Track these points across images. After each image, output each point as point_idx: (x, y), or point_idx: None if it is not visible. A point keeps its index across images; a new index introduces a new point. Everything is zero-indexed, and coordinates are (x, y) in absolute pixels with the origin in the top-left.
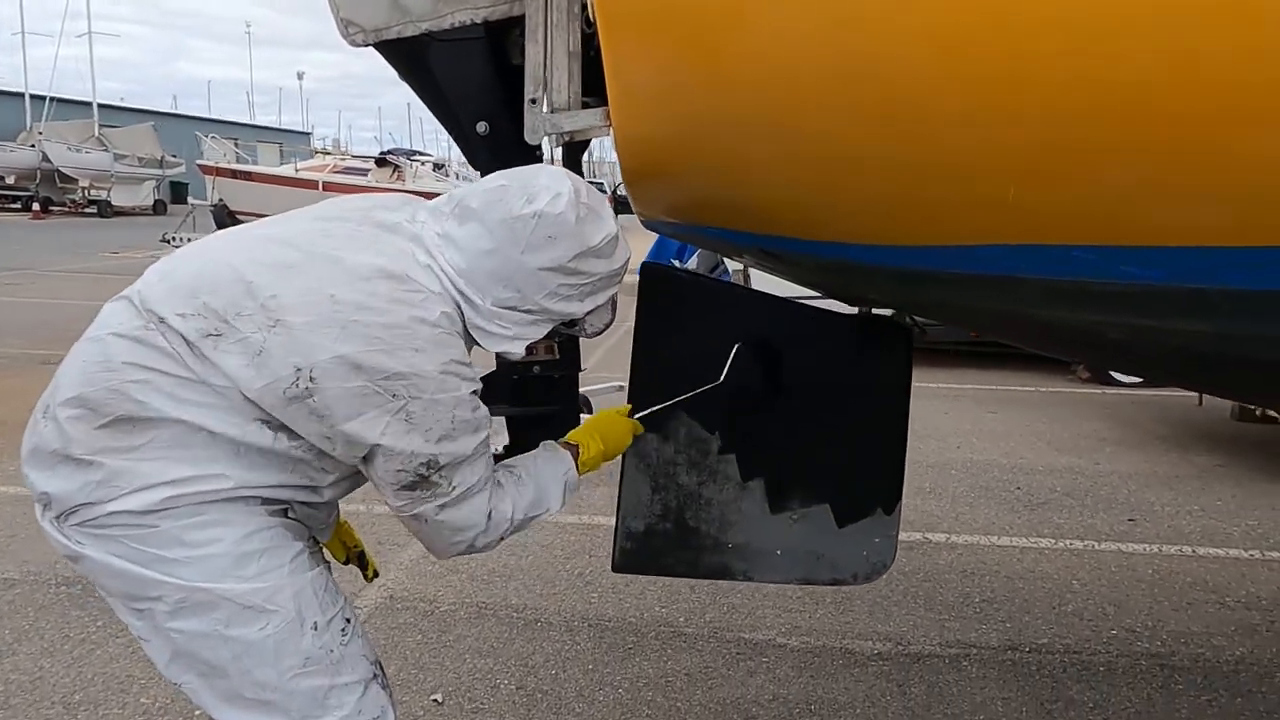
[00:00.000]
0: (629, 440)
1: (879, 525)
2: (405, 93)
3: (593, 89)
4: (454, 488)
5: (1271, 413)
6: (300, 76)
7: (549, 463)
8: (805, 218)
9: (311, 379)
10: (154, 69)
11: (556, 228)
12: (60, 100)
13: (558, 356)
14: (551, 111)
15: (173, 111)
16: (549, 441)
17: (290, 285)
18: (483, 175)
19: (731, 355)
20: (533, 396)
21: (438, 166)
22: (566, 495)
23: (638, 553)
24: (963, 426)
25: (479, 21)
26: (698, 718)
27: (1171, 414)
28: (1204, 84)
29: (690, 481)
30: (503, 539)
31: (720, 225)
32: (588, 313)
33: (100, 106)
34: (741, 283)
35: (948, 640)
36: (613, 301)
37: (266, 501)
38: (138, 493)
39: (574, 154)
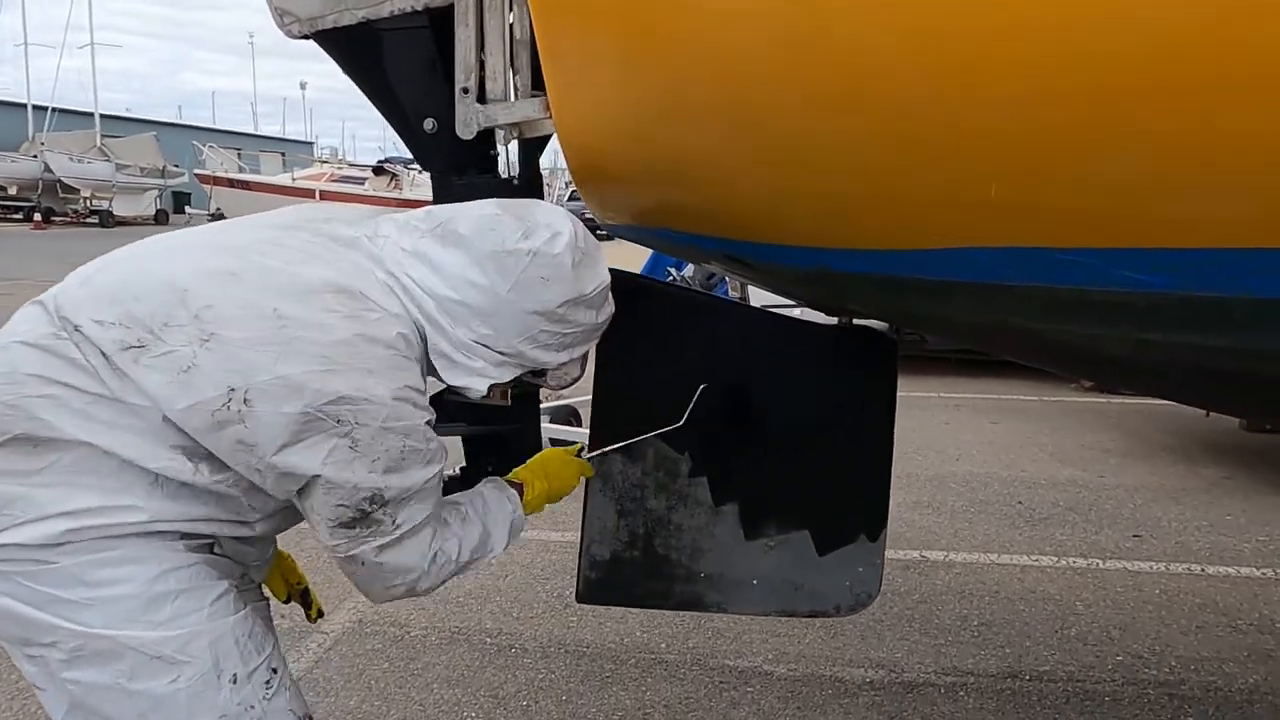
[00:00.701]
0: (575, 483)
1: (863, 553)
2: None
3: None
4: (397, 526)
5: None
6: (303, 86)
7: (497, 502)
8: (772, 220)
9: (245, 401)
10: (159, 80)
11: (551, 270)
12: (62, 111)
13: (509, 403)
14: (486, 103)
15: (176, 122)
16: (495, 478)
17: (229, 296)
18: (433, 178)
19: (695, 397)
20: (491, 415)
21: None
22: (511, 538)
23: (603, 583)
24: (962, 438)
25: (420, 9)
26: None
27: (1178, 425)
28: (1225, 49)
29: (659, 506)
30: (443, 582)
31: (682, 229)
32: (561, 364)
33: (103, 117)
34: (740, 294)
35: (944, 667)
36: (585, 357)
37: (187, 536)
38: (33, 524)
39: (530, 153)
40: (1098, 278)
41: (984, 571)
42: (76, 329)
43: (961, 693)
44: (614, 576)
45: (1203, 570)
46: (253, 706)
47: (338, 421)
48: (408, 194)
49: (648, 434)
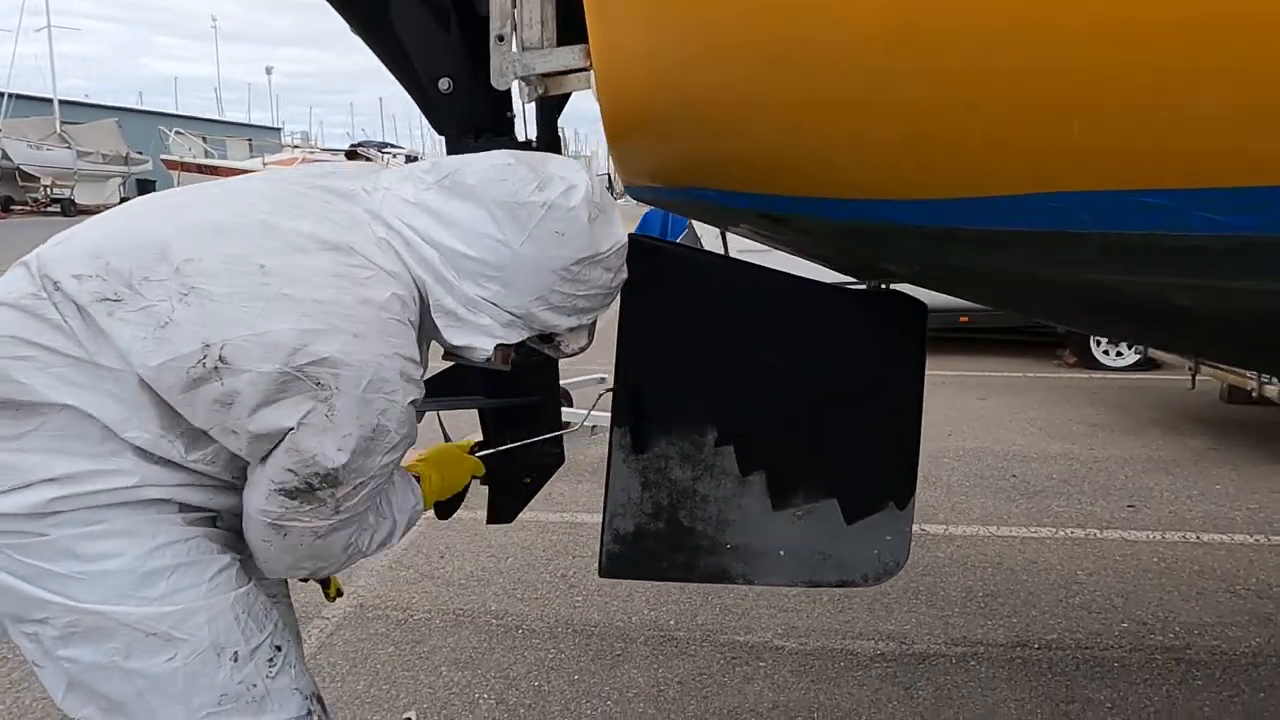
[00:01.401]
0: (466, 479)
1: (891, 521)
2: (377, 88)
3: (568, 38)
4: (336, 513)
5: (1265, 394)
6: (269, 72)
7: (403, 495)
8: (818, 170)
9: (222, 358)
10: (119, 65)
11: (567, 223)
12: (19, 97)
13: (508, 369)
14: (523, 50)
15: (138, 108)
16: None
17: (213, 250)
18: (447, 140)
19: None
20: (510, 386)
21: (410, 159)
22: (407, 530)
23: (627, 556)
24: (951, 414)
25: None
26: None
27: (1161, 398)
28: None
29: (684, 476)
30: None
31: (716, 186)
32: (570, 329)
33: (62, 103)
34: None
35: (953, 638)
36: (594, 324)
37: (185, 508)
38: (18, 491)
39: (548, 113)
40: (1176, 221)
41: (985, 544)
42: (56, 286)
43: (973, 662)
44: (638, 550)
45: (1198, 538)
46: (255, 685)
47: (317, 384)
48: None
49: (540, 436)
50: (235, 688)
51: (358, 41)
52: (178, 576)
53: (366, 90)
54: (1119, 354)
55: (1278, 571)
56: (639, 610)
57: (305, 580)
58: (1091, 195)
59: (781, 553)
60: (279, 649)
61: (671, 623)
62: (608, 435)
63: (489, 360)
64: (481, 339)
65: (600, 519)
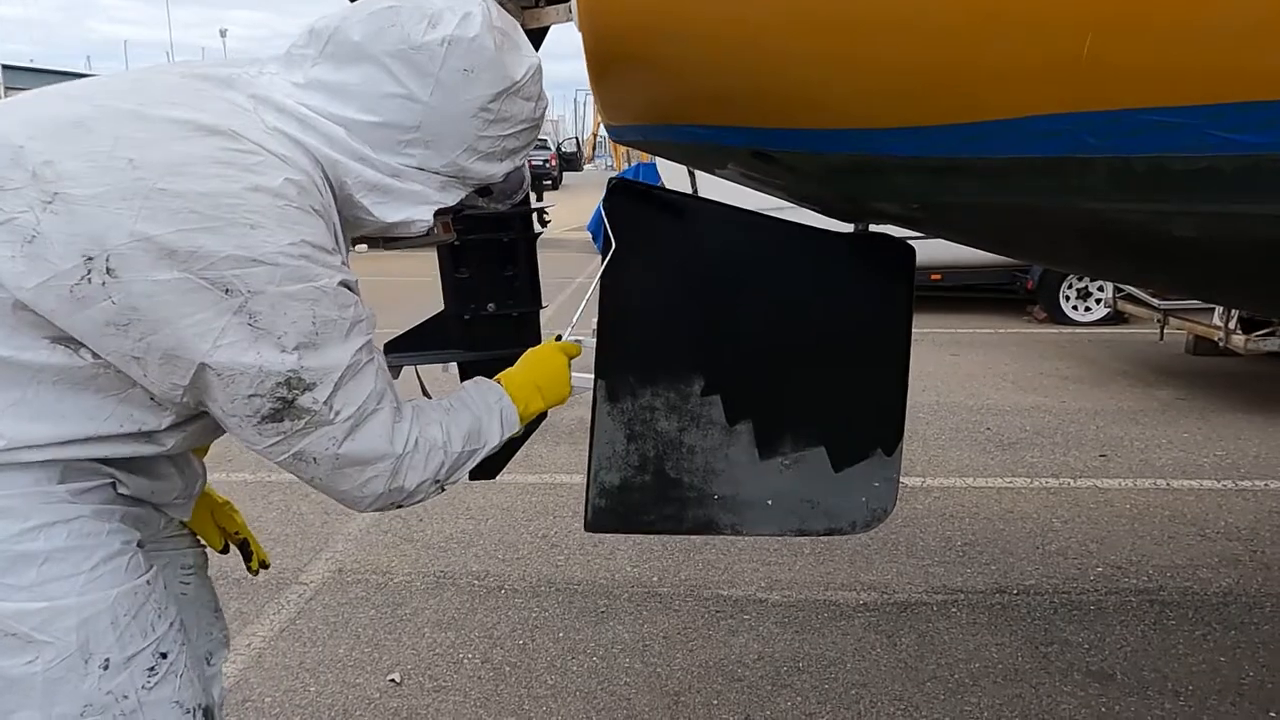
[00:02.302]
0: (565, 371)
1: (879, 467)
2: None
3: None
4: (336, 412)
5: (1232, 345)
6: (223, 34)
7: (478, 391)
8: (813, 99)
9: (108, 270)
10: (63, 29)
11: (472, 57)
12: None
13: (456, 240)
14: None
15: (86, 73)
16: (477, 377)
17: (74, 147)
18: None
19: None
20: (489, 339)
21: None
22: (505, 430)
23: (613, 510)
24: (925, 369)
25: None
26: (680, 683)
27: (1129, 350)
28: None
29: (670, 427)
30: (441, 482)
31: (707, 121)
32: (506, 174)
33: (5, 68)
34: None
35: (933, 586)
36: (527, 163)
37: (72, 472)
38: None
39: None
40: (1189, 141)
41: (962, 495)
42: None
43: (954, 609)
44: (624, 503)
45: (1168, 485)
46: (126, 696)
47: (226, 291)
48: None
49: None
50: (103, 698)
51: (309, 4)
52: (51, 565)
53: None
54: (1088, 309)
55: (1245, 515)
56: (622, 568)
57: (386, 509)
58: (1101, 115)
59: (769, 502)
60: (164, 656)
61: (655, 579)
62: (584, 396)
63: (432, 231)
64: (419, 209)
65: (581, 479)
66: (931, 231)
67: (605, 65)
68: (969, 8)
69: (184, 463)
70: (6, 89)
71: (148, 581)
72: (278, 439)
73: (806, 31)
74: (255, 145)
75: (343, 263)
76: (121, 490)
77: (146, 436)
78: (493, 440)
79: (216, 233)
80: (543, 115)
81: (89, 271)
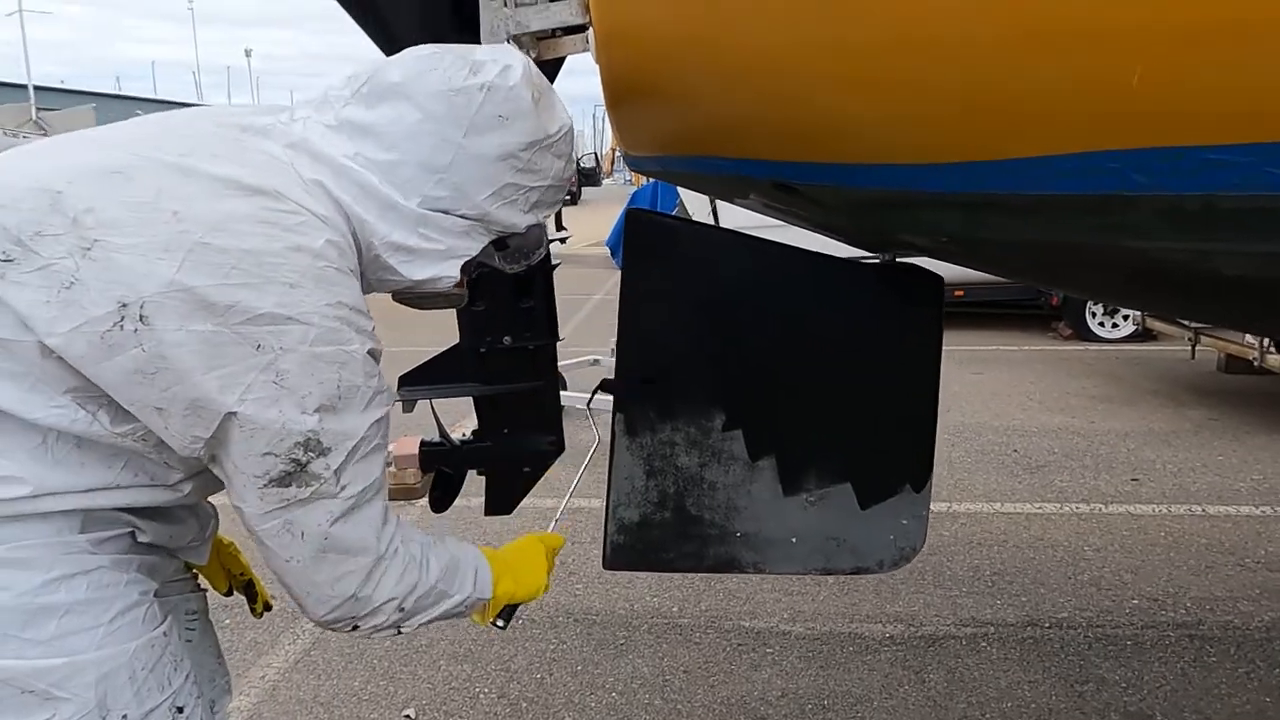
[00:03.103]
0: (543, 579)
1: (907, 505)
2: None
3: None
4: (341, 487)
5: (1268, 364)
6: (248, 54)
7: (457, 543)
8: (845, 132)
9: (142, 318)
10: (92, 50)
11: (509, 105)
12: None
13: (466, 294)
14: (515, 6)
15: (115, 93)
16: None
17: (115, 196)
18: None
19: None
20: (505, 372)
21: None
22: (476, 592)
23: (632, 547)
24: (948, 388)
25: None
26: None
27: (1158, 369)
28: None
29: (691, 463)
30: (405, 612)
31: (728, 154)
32: (529, 227)
33: (37, 89)
34: None
35: (962, 619)
36: (546, 226)
37: (92, 522)
38: None
39: None
40: (1243, 180)
41: (989, 521)
42: None
43: (983, 644)
44: (644, 540)
45: (1204, 511)
46: None
47: (257, 347)
48: None
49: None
50: None
51: (335, 23)
52: (71, 618)
53: (346, 71)
54: (1114, 325)
55: None
56: (641, 598)
57: (338, 623)
58: (1150, 153)
59: (793, 540)
60: (180, 710)
61: (675, 610)
62: (603, 419)
63: (455, 287)
64: (445, 265)
65: (598, 505)
66: (959, 262)
67: (623, 96)
68: (1011, 42)
69: (200, 511)
70: (38, 109)
71: (164, 633)
72: (277, 505)
73: (835, 65)
74: (297, 205)
75: (373, 329)
76: (140, 538)
77: (165, 488)
78: (463, 592)
79: (256, 289)
80: (571, 177)
81: (122, 318)
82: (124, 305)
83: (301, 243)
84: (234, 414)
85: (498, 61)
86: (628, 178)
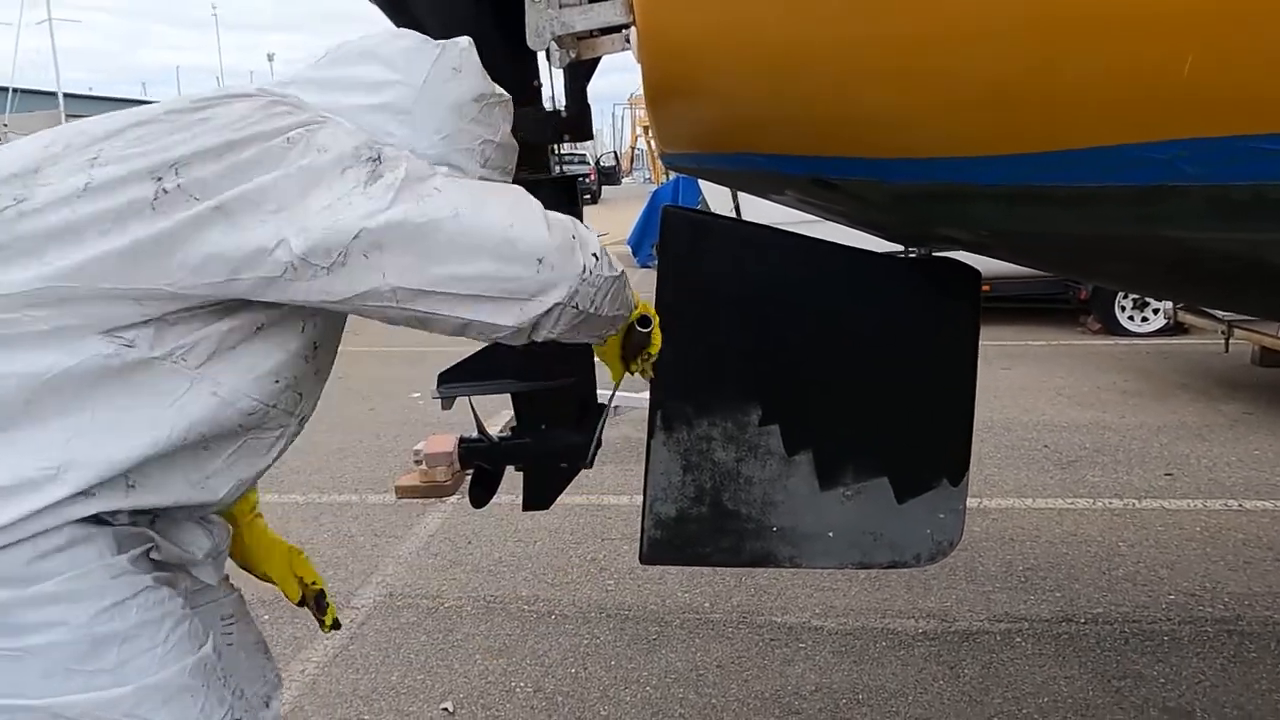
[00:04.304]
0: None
1: (944, 499)
2: None
3: None
4: (432, 174)
5: None
6: (270, 58)
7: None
8: (890, 126)
9: (177, 171)
10: (119, 58)
11: (462, 61)
12: (24, 91)
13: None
14: (560, 7)
15: (142, 99)
16: None
17: (106, 122)
18: None
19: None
20: (542, 369)
21: None
22: (630, 308)
23: (669, 542)
24: (978, 384)
25: None
26: (736, 715)
27: (1190, 363)
28: None
29: (727, 458)
30: (591, 281)
31: (768, 150)
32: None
33: (66, 96)
34: None
35: (995, 614)
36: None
37: (125, 538)
38: None
39: (578, 80)
40: None
41: (1021, 516)
42: None
43: (1018, 639)
44: (680, 535)
45: (1240, 506)
46: None
47: (288, 141)
48: None
49: None
50: None
51: (360, 26)
52: (130, 644)
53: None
54: (1144, 320)
55: None
56: (673, 593)
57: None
58: (1200, 143)
59: (830, 534)
60: None
61: (707, 605)
62: (630, 415)
63: None
64: None
65: (630, 500)
66: (997, 255)
67: (664, 91)
68: (1056, 31)
69: (211, 521)
70: (67, 116)
71: (213, 648)
72: (390, 191)
73: (890, 56)
74: (291, 106)
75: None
76: (154, 555)
77: (199, 485)
78: (631, 303)
79: (267, 120)
80: (515, 151)
81: (160, 183)
82: (155, 174)
83: (304, 118)
84: (295, 172)
85: (457, 41)
86: (647, 175)
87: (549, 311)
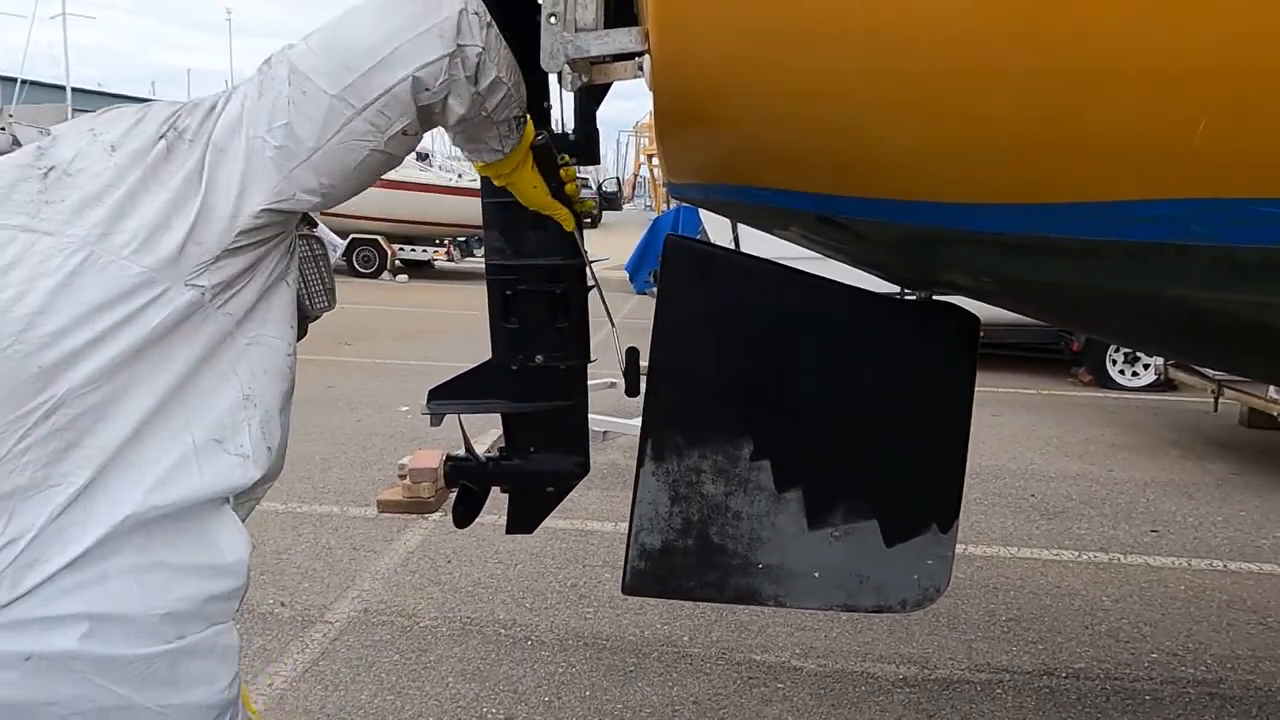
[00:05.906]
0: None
1: (933, 545)
2: None
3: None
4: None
5: None
6: None
7: None
8: (896, 169)
9: (175, 128)
10: (131, 57)
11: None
12: (32, 83)
13: None
14: (576, 31)
15: (150, 98)
16: None
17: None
18: None
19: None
20: (536, 391)
21: (421, 157)
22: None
23: (653, 573)
24: None
25: None
26: None
27: (1179, 420)
28: None
29: (716, 492)
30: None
31: (774, 185)
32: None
33: (74, 90)
34: None
35: (977, 663)
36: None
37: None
38: (38, 587)
39: (587, 106)
40: None
41: (1005, 565)
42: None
43: (999, 690)
44: (665, 567)
45: (1225, 566)
46: None
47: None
48: (392, 175)
49: None
50: None
51: None
52: (234, 709)
53: None
54: (1135, 375)
55: None
56: (652, 624)
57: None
58: (1209, 203)
59: (816, 574)
60: None
61: (685, 639)
62: (619, 441)
63: None
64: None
65: (615, 527)
66: (1001, 303)
67: (674, 123)
68: (1074, 84)
69: None
70: (74, 110)
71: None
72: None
73: (903, 99)
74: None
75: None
76: None
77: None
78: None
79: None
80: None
81: (166, 121)
82: (160, 120)
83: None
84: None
85: None
86: (648, 202)
87: (459, 28)
